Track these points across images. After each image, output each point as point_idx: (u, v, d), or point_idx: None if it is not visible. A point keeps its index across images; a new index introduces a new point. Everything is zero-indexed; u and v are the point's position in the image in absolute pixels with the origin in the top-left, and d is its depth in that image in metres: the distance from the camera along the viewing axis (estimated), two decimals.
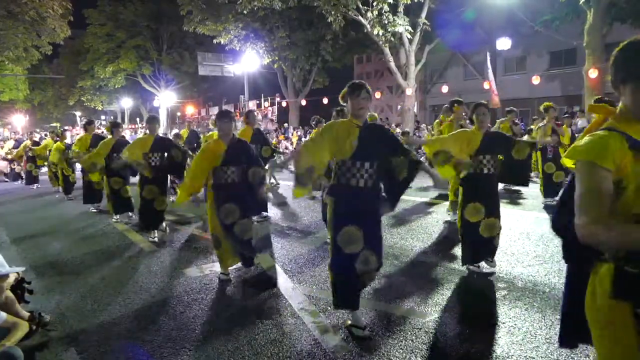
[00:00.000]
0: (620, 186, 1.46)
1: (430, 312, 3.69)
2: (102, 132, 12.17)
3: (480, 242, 4.41)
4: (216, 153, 4.43)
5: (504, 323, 3.47)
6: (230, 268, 4.75)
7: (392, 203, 3.45)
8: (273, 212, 8.22)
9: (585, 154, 1.47)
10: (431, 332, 3.35)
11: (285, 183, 12.72)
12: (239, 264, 4.80)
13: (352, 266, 3.21)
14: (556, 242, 5.59)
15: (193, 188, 4.54)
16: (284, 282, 4.58)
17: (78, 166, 9.88)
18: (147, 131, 6.53)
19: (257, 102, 33.07)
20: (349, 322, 3.43)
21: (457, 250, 5.49)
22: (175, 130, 14.66)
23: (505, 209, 7.65)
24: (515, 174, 4.64)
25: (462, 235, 4.52)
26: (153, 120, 6.50)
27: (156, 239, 6.22)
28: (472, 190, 4.42)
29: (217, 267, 5.07)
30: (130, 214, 7.80)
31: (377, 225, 3.36)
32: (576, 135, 8.23)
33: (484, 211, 4.36)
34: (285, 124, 28.92)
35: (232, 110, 35.01)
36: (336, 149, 3.23)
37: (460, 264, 4.97)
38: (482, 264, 4.60)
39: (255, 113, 7.96)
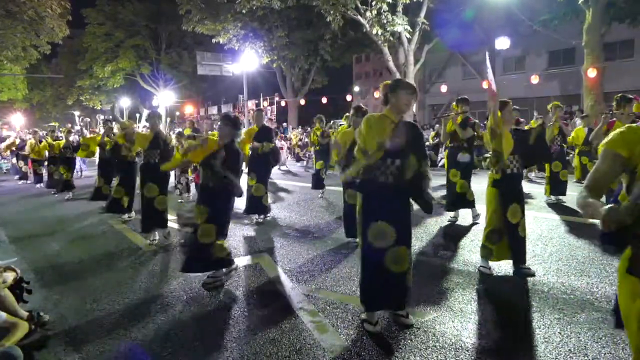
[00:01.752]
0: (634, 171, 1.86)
1: (429, 311, 3.69)
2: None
3: (522, 242, 4.39)
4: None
5: (503, 322, 3.47)
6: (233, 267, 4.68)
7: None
8: (273, 212, 8.21)
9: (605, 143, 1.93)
10: (430, 332, 3.36)
11: (291, 183, 12.74)
12: (237, 264, 4.79)
13: (382, 262, 3.24)
14: (554, 242, 5.60)
15: None
16: (283, 281, 4.58)
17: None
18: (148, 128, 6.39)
19: (256, 101, 33.08)
20: (363, 316, 3.49)
21: (457, 250, 5.50)
22: (178, 129, 14.47)
23: None
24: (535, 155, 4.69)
25: (507, 237, 4.38)
26: (153, 117, 6.38)
27: (155, 241, 6.11)
28: (508, 192, 4.35)
29: None
30: (127, 215, 7.76)
31: (406, 221, 3.37)
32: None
33: (521, 212, 4.34)
34: (284, 124, 28.93)
35: (231, 109, 35.10)
36: (370, 143, 3.26)
37: (459, 264, 4.98)
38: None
39: (264, 113, 7.92)
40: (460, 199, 6.64)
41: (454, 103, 6.72)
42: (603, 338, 3.18)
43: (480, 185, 6.52)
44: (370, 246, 3.28)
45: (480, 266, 4.62)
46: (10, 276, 3.47)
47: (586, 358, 2.97)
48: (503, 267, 4.75)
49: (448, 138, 6.76)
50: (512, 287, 4.20)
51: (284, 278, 4.67)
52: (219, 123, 4.59)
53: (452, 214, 6.94)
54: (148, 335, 3.47)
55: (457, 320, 3.54)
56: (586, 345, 3.10)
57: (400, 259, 3.27)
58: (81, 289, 4.56)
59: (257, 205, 7.20)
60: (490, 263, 4.58)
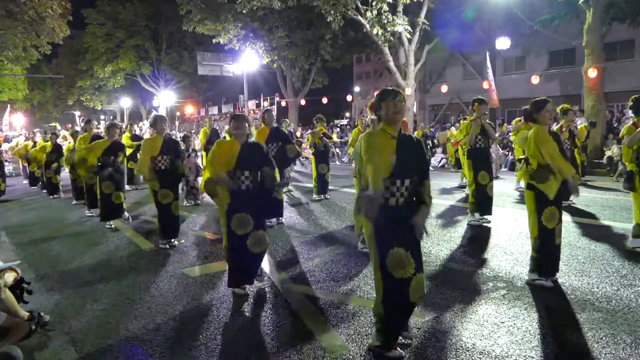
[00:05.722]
0: None
1: (429, 312, 3.69)
2: (101, 133, 12.06)
3: (557, 250, 4.17)
4: (230, 152, 4.11)
5: (503, 323, 3.47)
6: None
7: None
8: None
9: None
10: (431, 332, 3.36)
11: (290, 184, 12.70)
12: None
13: (406, 294, 2.92)
14: None
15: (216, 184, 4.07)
16: (283, 281, 4.58)
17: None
18: (155, 132, 6.01)
19: (257, 101, 33.10)
20: (375, 341, 3.11)
21: (456, 250, 5.50)
22: (179, 134, 13.97)
23: (504, 208, 7.68)
24: None
25: (541, 244, 4.14)
26: (160, 121, 5.98)
27: (167, 246, 5.96)
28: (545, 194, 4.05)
29: (216, 267, 5.08)
30: (127, 214, 7.60)
31: (419, 245, 3.04)
32: None
33: (559, 216, 4.08)
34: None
35: (232, 110, 35.14)
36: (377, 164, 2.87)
37: (460, 264, 4.98)
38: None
39: (274, 113, 7.75)
40: (491, 202, 6.59)
41: (475, 104, 6.58)
42: (603, 338, 3.18)
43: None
44: (391, 278, 2.91)
45: (533, 280, 4.22)
46: (10, 277, 3.47)
47: (586, 358, 2.97)
48: (503, 267, 4.75)
49: (474, 140, 6.55)
50: (512, 287, 4.20)
51: (284, 278, 4.67)
52: (230, 123, 4.36)
53: (470, 215, 6.77)
54: (149, 336, 3.47)
55: (457, 321, 3.54)
56: (586, 345, 3.10)
57: (421, 289, 2.99)
58: (81, 289, 4.56)
59: (278, 206, 7.15)
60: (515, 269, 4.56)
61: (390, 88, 3.07)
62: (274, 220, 7.12)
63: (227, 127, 4.33)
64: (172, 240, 6.06)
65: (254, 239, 4.10)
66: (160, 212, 5.93)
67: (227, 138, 4.38)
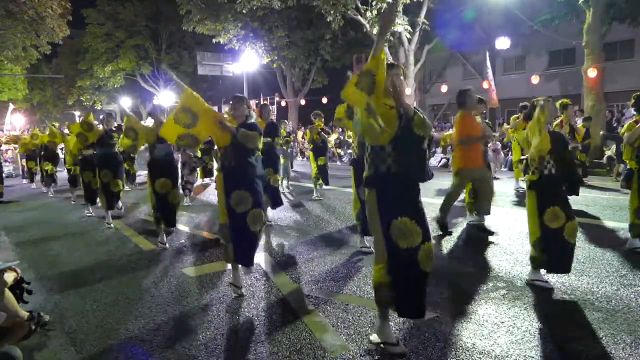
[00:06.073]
0: None
1: (429, 312, 3.67)
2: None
3: (569, 249, 4.07)
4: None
5: (503, 322, 3.47)
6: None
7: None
8: (272, 212, 8.20)
9: None
10: (430, 332, 3.36)
11: (290, 183, 12.72)
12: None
13: (416, 262, 2.92)
14: None
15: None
16: (283, 281, 4.58)
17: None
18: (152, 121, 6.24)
19: (257, 101, 33.08)
20: (377, 337, 3.10)
21: (456, 250, 5.50)
22: None
23: (503, 208, 7.68)
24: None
25: (545, 244, 4.08)
26: (155, 112, 6.20)
27: (166, 245, 5.96)
28: (547, 194, 4.04)
29: (216, 267, 5.08)
30: (120, 204, 8.08)
31: (424, 214, 3.02)
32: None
33: (564, 215, 4.01)
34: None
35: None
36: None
37: (460, 264, 4.98)
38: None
39: (270, 108, 7.89)
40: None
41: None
42: (603, 338, 3.18)
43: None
44: (397, 247, 2.90)
45: (533, 280, 4.20)
46: (10, 277, 3.47)
47: (586, 358, 2.97)
48: (503, 267, 4.75)
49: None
50: (512, 287, 4.20)
51: (284, 278, 4.67)
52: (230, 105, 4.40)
53: (469, 215, 6.74)
54: (149, 336, 3.47)
55: (457, 320, 3.53)
56: (586, 345, 3.10)
57: (431, 257, 2.99)
58: (81, 289, 4.56)
59: (277, 196, 7.25)
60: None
61: (390, 62, 3.07)
62: (274, 211, 7.22)
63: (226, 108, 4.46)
64: (171, 229, 6.16)
65: (252, 217, 4.11)
66: (156, 202, 5.86)
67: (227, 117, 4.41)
